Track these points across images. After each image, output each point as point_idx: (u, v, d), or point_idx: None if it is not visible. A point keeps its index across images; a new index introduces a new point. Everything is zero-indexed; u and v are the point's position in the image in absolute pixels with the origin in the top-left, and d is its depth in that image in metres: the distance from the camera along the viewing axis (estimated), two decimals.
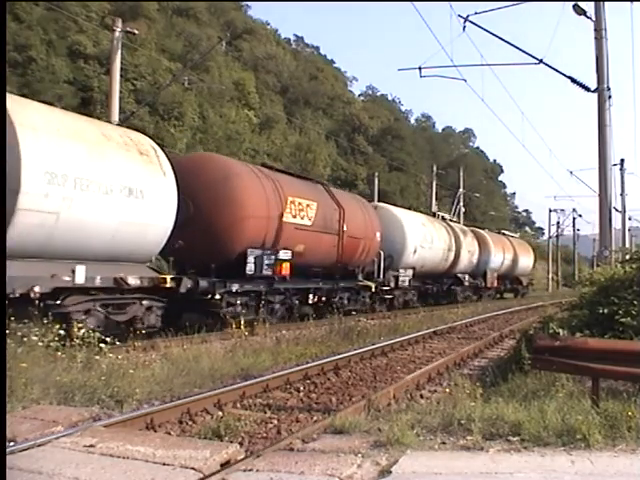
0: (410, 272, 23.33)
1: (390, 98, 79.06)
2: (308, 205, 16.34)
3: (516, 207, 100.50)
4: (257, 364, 9.49)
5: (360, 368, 10.46)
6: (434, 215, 30.40)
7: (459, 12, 19.88)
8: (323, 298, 17.18)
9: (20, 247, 8.93)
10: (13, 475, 4.23)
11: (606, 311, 8.12)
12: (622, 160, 33.76)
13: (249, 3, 70.35)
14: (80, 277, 10.05)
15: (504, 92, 41.40)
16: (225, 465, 4.77)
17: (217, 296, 13.06)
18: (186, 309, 13.06)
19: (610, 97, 13.77)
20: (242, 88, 46.76)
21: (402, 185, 57.75)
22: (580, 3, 13.72)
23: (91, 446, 4.96)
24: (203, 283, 12.81)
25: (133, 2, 40.57)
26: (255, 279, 14.30)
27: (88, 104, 32.62)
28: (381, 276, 20.72)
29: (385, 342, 12.88)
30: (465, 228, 33.43)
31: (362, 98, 73.31)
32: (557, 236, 62.05)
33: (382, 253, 20.69)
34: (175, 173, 12.10)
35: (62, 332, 8.55)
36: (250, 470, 4.58)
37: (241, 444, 5.65)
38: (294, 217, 15.58)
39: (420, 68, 16.79)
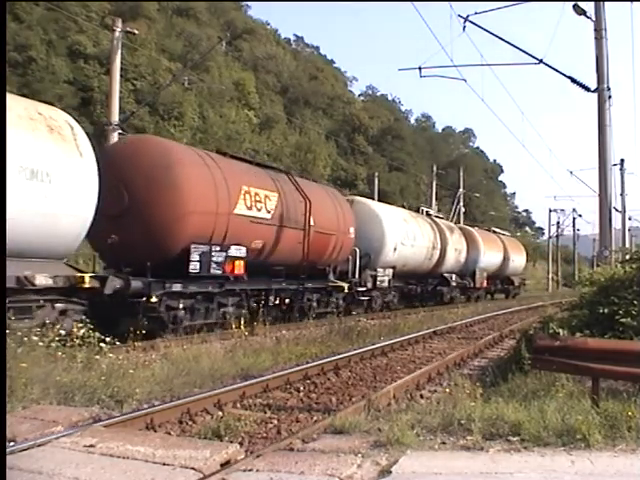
0: (390, 271, 21.80)
1: (390, 98, 79.13)
2: (267, 196, 14.63)
3: (516, 207, 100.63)
4: (257, 364, 9.49)
5: (360, 368, 10.46)
6: (418, 210, 28.66)
7: (459, 12, 19.79)
8: (287, 300, 15.71)
9: None
10: (13, 475, 4.23)
11: (606, 311, 8.12)
12: (622, 160, 33.84)
13: (249, 3, 70.49)
14: None
15: (504, 92, 41.50)
16: (225, 465, 4.77)
17: (154, 298, 11.37)
18: (120, 314, 11.14)
19: (610, 97, 13.76)
20: (242, 88, 46.78)
21: (402, 185, 57.77)
22: (580, 3, 13.72)
23: (91, 446, 4.96)
24: (136, 283, 11.21)
25: (133, 2, 40.57)
26: (202, 279, 12.70)
27: (88, 104, 32.68)
28: (356, 276, 19.32)
29: (385, 342, 12.88)
30: (452, 225, 31.92)
31: (362, 98, 73.35)
32: (557, 236, 62.07)
33: (358, 251, 19.25)
34: (106, 158, 10.96)
35: (62, 332, 8.56)
36: (250, 470, 4.58)
37: (241, 444, 5.65)
38: (249, 209, 13.87)
39: (420, 68, 16.79)
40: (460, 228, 32.33)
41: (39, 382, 6.76)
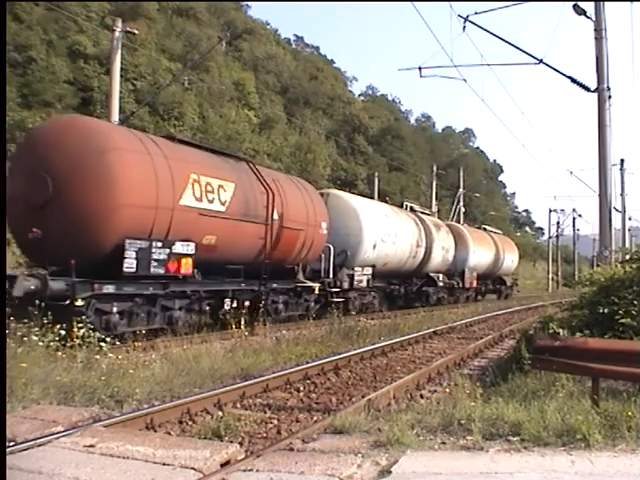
0: (369, 270, 20.29)
1: (390, 98, 79.21)
2: (221, 186, 13.06)
3: (516, 207, 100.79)
4: (257, 364, 9.49)
5: (360, 368, 10.46)
6: (401, 205, 26.96)
7: (459, 12, 19.90)
8: (247, 303, 13.95)
9: None
10: (13, 475, 4.23)
11: (606, 311, 8.13)
12: (622, 160, 33.92)
13: (249, 3, 70.53)
14: None
15: (504, 92, 41.63)
16: (225, 465, 4.77)
17: (79, 302, 9.89)
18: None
19: (610, 97, 13.77)
20: (242, 88, 46.75)
21: (402, 185, 57.76)
22: (580, 3, 13.74)
23: (91, 446, 4.96)
24: (56, 284, 9.74)
25: (133, 2, 40.56)
26: (141, 279, 11.16)
27: (88, 104, 32.64)
28: (330, 275, 17.80)
29: (385, 342, 12.87)
30: (439, 221, 30.19)
31: (362, 98, 73.35)
32: (557, 236, 62.13)
33: (332, 248, 17.77)
34: (30, 141, 9.98)
35: (62, 332, 8.55)
36: (250, 470, 4.59)
37: (241, 444, 5.65)
38: (199, 200, 12.33)
39: (420, 68, 16.83)
40: (448, 225, 30.90)
41: (39, 382, 6.77)
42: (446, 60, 52.67)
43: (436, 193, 46.96)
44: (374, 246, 20.52)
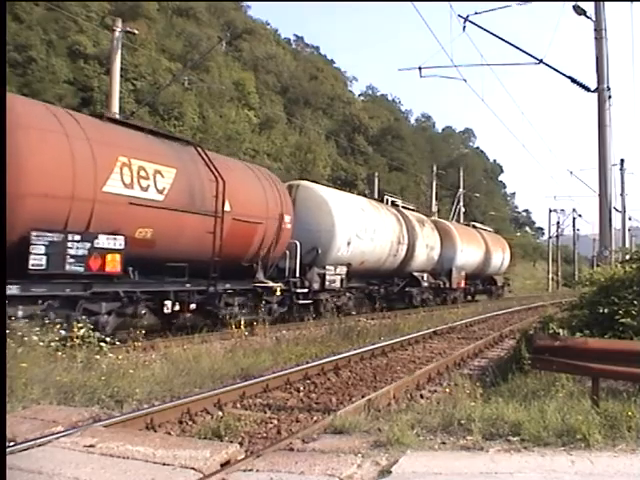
0: (343, 269, 18.56)
1: (390, 98, 79.24)
2: (158, 171, 11.47)
3: (516, 207, 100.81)
4: (257, 364, 9.49)
5: (360, 368, 10.46)
6: (382, 199, 24.98)
7: (459, 12, 19.88)
8: (193, 305, 12.60)
9: None
10: (13, 475, 4.23)
11: (606, 311, 8.13)
12: (622, 160, 33.94)
13: (249, 3, 70.56)
14: None
15: (504, 92, 41.58)
16: (225, 465, 4.77)
17: None
18: None
19: (610, 97, 13.77)
20: (242, 88, 46.77)
21: (402, 185, 57.76)
22: (580, 3, 13.76)
23: (91, 446, 4.96)
24: None
25: (133, 2, 40.57)
26: (55, 278, 9.68)
27: (88, 104, 32.63)
28: (297, 274, 16.14)
29: (385, 342, 12.87)
30: (423, 217, 27.85)
31: (362, 98, 73.37)
32: (557, 236, 62.14)
33: (298, 244, 16.09)
34: None
35: (62, 332, 8.55)
36: (250, 470, 4.58)
37: (241, 444, 5.65)
38: (129, 187, 10.79)
39: (420, 68, 16.84)
40: (433, 221, 29.18)
41: (39, 382, 6.77)
42: (446, 60, 52.68)
43: (436, 193, 46.99)
44: (348, 243, 18.77)
